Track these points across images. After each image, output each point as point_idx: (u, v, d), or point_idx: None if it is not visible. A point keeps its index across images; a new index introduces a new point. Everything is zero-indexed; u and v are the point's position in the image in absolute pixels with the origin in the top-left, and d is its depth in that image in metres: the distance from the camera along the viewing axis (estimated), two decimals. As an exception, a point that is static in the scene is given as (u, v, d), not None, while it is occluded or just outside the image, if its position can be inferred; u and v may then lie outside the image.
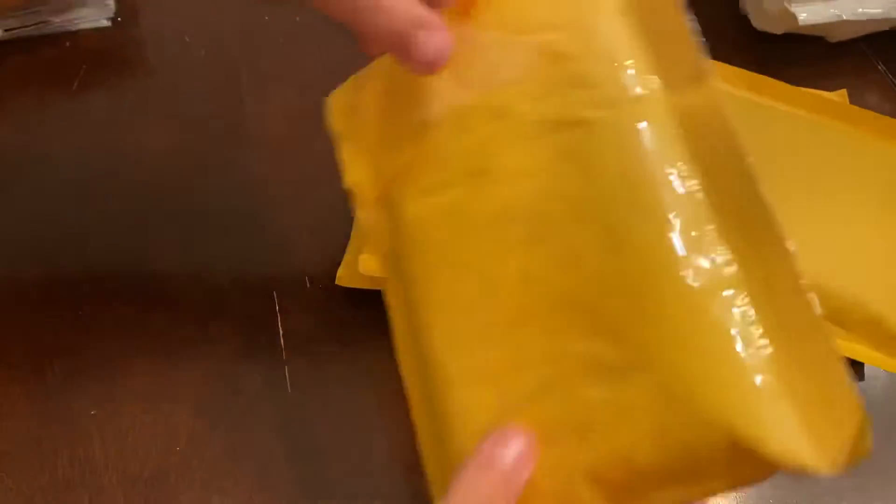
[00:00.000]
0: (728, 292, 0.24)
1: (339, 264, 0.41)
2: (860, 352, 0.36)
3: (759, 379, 0.23)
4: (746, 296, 0.24)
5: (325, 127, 0.47)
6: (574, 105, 0.26)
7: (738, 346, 0.23)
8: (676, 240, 0.24)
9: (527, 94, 0.27)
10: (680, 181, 0.25)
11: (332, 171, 0.45)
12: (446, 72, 0.28)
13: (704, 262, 0.24)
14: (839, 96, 0.46)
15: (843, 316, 0.36)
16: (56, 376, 0.38)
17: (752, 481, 0.23)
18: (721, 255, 0.24)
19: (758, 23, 0.51)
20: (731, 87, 0.43)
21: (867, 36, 0.51)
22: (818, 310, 0.23)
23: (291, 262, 0.42)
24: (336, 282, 0.40)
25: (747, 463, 0.23)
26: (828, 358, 0.23)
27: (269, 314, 0.40)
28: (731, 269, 0.24)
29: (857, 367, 0.38)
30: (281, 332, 0.40)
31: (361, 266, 0.38)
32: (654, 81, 0.26)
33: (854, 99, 0.47)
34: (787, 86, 0.44)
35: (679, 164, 0.25)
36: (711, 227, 0.25)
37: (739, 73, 0.44)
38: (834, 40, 0.51)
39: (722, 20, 0.52)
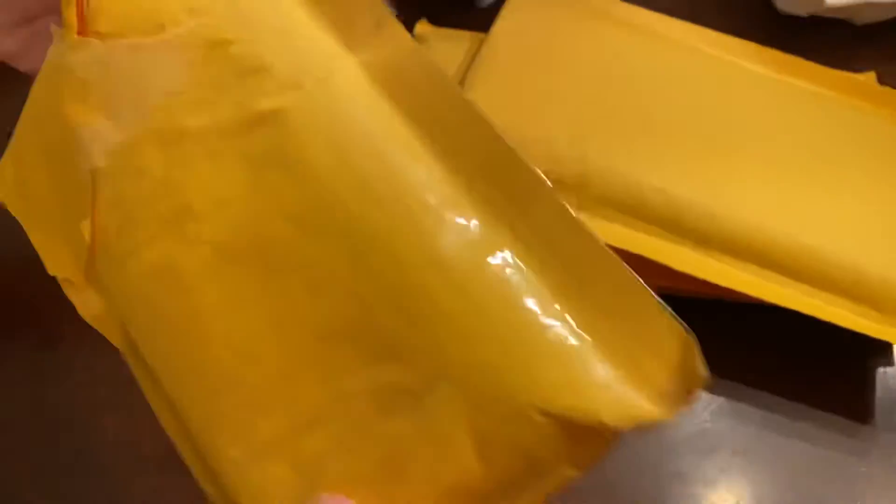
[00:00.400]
0: (495, 259, 0.21)
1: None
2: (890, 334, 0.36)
3: (564, 346, 0.20)
4: (516, 255, 0.21)
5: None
6: (252, 98, 0.22)
7: (530, 317, 0.20)
8: (422, 222, 0.21)
9: (193, 104, 0.22)
10: (402, 151, 0.21)
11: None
12: (92, 109, 0.23)
13: (459, 237, 0.21)
14: (867, 78, 0.45)
15: (875, 297, 0.35)
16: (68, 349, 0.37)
17: (600, 454, 0.21)
18: (474, 219, 0.21)
19: (782, 5, 0.50)
20: (756, 66, 0.42)
21: (895, 19, 0.50)
22: (599, 238, 0.21)
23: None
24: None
25: (586, 438, 0.20)
26: (627, 289, 0.21)
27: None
28: (490, 231, 0.21)
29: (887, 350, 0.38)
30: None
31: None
32: (333, 46, 0.22)
33: (882, 83, 0.46)
34: (815, 65, 0.43)
35: (394, 130, 0.22)
36: (453, 191, 0.21)
37: (764, 52, 0.44)
38: (860, 23, 0.50)
39: (746, 3, 0.51)
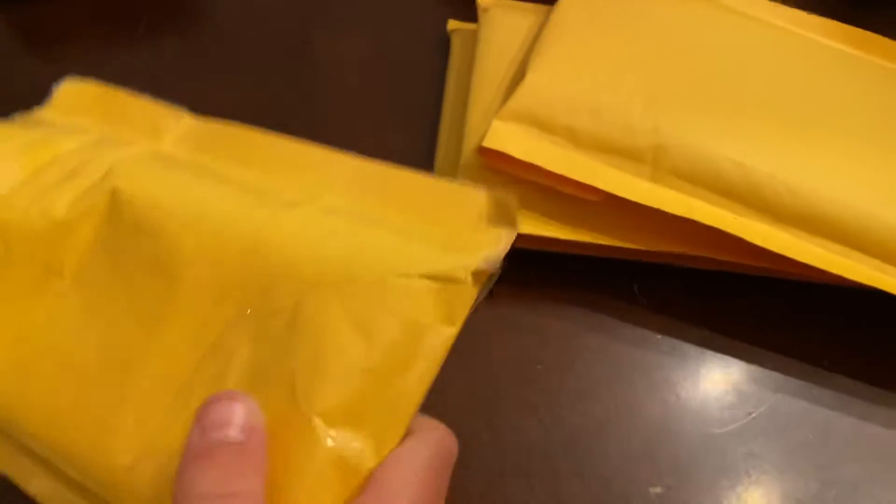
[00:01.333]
0: (319, 207, 0.25)
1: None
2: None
3: (404, 233, 0.24)
4: (337, 201, 0.25)
5: (399, 72, 0.46)
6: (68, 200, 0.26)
7: (370, 231, 0.24)
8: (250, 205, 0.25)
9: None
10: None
11: (406, 118, 0.44)
12: None
13: (285, 206, 0.25)
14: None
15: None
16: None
17: (464, 306, 0.23)
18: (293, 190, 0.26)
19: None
20: (834, 41, 0.41)
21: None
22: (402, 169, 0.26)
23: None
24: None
25: (449, 295, 0.23)
26: (435, 187, 0.25)
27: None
28: (310, 196, 0.26)
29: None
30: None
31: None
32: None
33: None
34: (893, 42, 0.42)
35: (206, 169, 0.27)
36: (267, 180, 0.27)
37: (842, 28, 0.42)
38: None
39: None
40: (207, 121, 0.30)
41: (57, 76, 0.32)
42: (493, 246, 0.24)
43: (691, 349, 0.37)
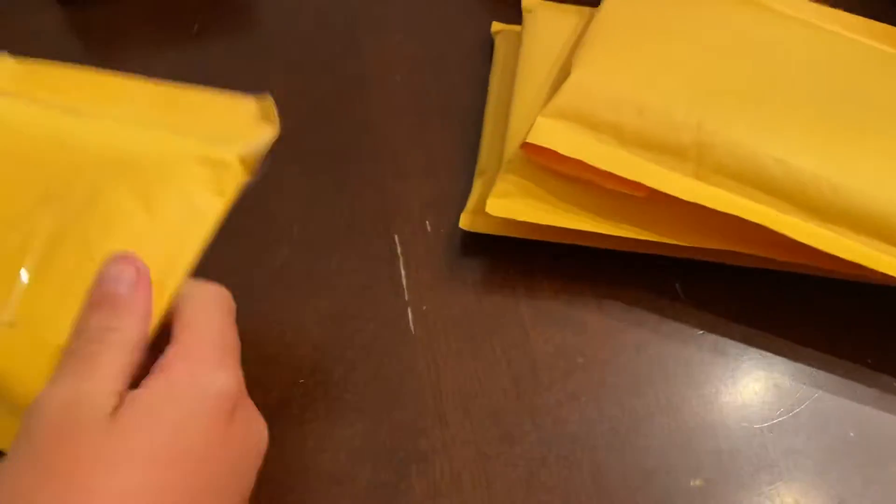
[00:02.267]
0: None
1: (456, 209, 0.40)
2: None
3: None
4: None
5: (442, 72, 0.47)
6: None
7: (141, 129, 0.30)
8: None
9: None
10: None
11: (449, 116, 0.45)
12: None
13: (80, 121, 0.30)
14: None
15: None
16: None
17: (236, 183, 0.28)
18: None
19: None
20: (877, 42, 0.41)
21: None
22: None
23: (411, 207, 0.41)
24: (460, 226, 0.39)
25: (219, 172, 0.28)
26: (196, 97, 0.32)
27: (391, 256, 0.40)
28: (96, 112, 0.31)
29: None
30: (403, 273, 0.39)
31: (489, 208, 0.37)
32: None
33: None
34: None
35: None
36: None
37: (885, 29, 0.42)
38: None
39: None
40: (26, 60, 0.34)
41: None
42: (256, 138, 0.30)
43: (733, 345, 0.37)
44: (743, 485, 0.34)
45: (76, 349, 0.26)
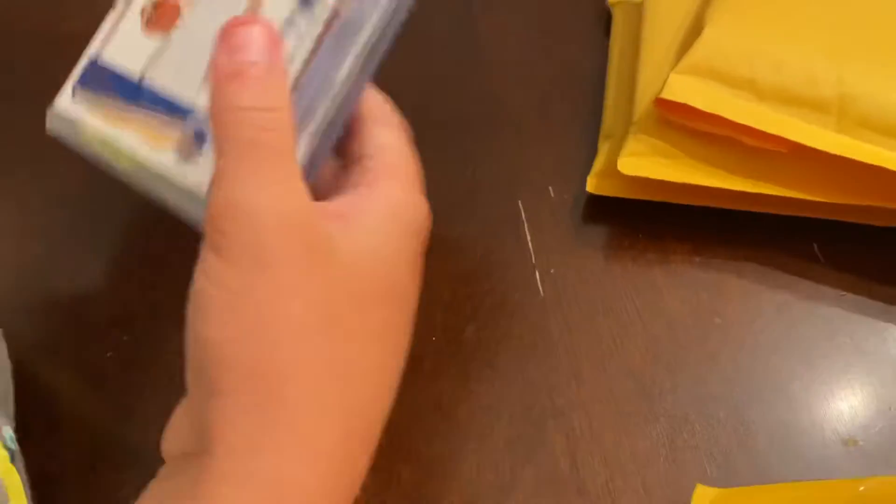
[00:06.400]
0: None
1: (579, 175, 0.40)
2: None
3: None
4: None
5: (560, 43, 0.47)
6: None
7: None
8: None
9: None
10: None
11: (568, 87, 0.45)
12: None
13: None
14: None
15: None
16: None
17: None
18: None
19: None
20: None
21: None
22: None
23: (533, 173, 0.41)
24: (587, 189, 0.39)
25: None
26: None
27: (516, 221, 0.40)
28: None
29: None
30: (529, 237, 0.39)
31: (621, 166, 0.36)
32: None
33: None
34: None
35: None
36: None
37: None
38: None
39: None
40: None
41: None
42: None
43: (876, 306, 0.36)
44: (893, 445, 0.32)
45: (241, 138, 0.21)
